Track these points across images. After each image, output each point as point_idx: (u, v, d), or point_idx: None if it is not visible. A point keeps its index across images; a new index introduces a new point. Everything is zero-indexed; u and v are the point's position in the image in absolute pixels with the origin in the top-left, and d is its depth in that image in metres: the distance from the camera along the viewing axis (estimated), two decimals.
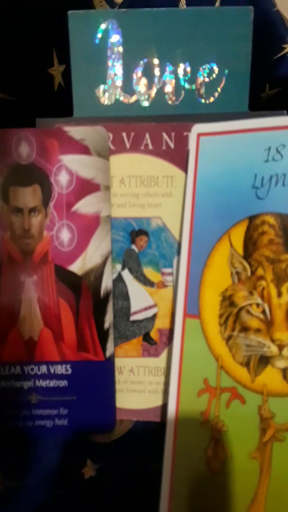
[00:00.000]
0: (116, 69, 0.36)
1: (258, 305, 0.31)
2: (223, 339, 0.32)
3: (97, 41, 0.36)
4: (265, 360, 0.31)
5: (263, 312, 0.31)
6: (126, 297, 0.36)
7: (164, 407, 0.36)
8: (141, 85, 0.36)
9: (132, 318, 0.36)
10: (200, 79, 0.36)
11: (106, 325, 0.35)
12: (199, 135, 0.34)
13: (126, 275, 0.36)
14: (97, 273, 0.35)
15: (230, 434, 0.31)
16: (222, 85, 0.36)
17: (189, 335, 0.32)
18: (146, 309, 0.36)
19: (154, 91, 0.37)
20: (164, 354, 0.36)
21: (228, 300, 0.32)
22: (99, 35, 0.36)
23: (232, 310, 0.31)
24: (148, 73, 0.36)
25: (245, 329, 0.31)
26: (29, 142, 0.35)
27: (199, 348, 0.32)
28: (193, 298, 0.33)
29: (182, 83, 0.36)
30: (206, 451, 0.31)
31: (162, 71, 0.36)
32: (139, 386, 0.36)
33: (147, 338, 0.36)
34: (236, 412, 0.31)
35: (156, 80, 0.36)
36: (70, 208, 0.35)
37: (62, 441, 0.36)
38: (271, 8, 0.37)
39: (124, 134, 0.35)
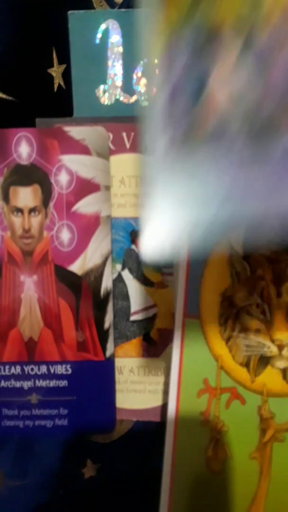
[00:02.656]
0: (116, 69, 0.36)
1: (258, 305, 0.31)
2: (223, 340, 0.32)
3: (97, 41, 0.36)
4: (265, 360, 0.31)
5: (263, 312, 0.31)
6: (126, 297, 0.36)
7: (164, 407, 0.36)
8: (141, 85, 0.36)
9: (132, 318, 0.36)
10: None
11: (106, 325, 0.35)
12: None
13: (126, 275, 0.36)
14: (97, 273, 0.35)
15: (230, 434, 0.31)
16: None
17: (189, 335, 0.32)
18: (146, 309, 0.36)
19: (154, 91, 0.36)
20: (164, 354, 0.36)
21: (228, 300, 0.32)
22: (99, 35, 0.36)
23: (232, 310, 0.31)
24: (148, 73, 0.36)
25: (245, 329, 0.31)
26: (29, 142, 0.35)
27: (199, 349, 0.32)
28: (193, 298, 0.33)
29: None
30: (206, 451, 0.31)
31: None
32: (139, 386, 0.36)
33: (147, 338, 0.36)
34: (236, 412, 0.31)
35: (156, 80, 0.36)
36: (70, 208, 0.35)
37: (62, 441, 0.36)
38: None
39: (124, 134, 0.35)
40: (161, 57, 0.19)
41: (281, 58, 0.19)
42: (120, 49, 0.36)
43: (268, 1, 0.19)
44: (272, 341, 0.30)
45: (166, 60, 0.19)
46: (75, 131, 0.35)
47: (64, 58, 0.37)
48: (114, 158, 0.35)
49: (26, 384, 0.35)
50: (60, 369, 0.35)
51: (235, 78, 0.19)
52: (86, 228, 0.35)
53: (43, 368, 0.35)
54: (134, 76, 0.36)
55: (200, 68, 0.19)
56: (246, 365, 0.31)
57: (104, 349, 0.35)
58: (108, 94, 0.36)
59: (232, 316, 0.31)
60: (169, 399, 0.32)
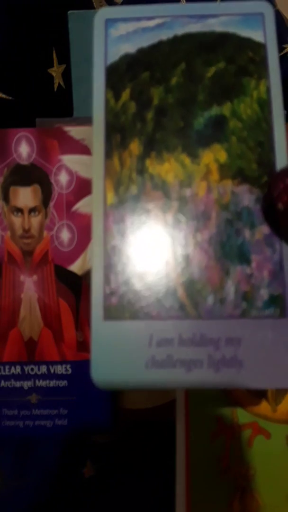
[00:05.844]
0: None
1: None
2: None
3: None
4: None
5: None
6: None
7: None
8: None
9: None
10: None
11: None
12: None
13: None
14: None
15: (259, 477, 0.27)
16: None
17: None
18: None
19: None
20: None
21: None
22: None
23: None
24: None
25: None
26: (29, 142, 0.35)
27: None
28: None
29: None
30: (232, 506, 0.27)
31: None
32: None
33: None
34: (262, 449, 0.27)
35: None
36: (70, 208, 0.35)
37: (62, 441, 0.36)
38: None
39: None
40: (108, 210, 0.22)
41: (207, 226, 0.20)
42: None
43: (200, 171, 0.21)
44: None
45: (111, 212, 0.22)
46: (75, 131, 0.35)
47: (64, 58, 0.37)
48: None
49: (26, 384, 0.35)
50: (60, 369, 0.35)
51: (172, 234, 0.21)
52: (86, 228, 0.35)
53: (43, 368, 0.35)
54: None
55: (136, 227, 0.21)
56: (264, 395, 0.28)
57: None
58: None
59: None
60: (177, 451, 0.28)
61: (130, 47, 0.23)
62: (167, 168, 0.21)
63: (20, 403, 0.35)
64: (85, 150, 0.35)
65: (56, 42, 0.37)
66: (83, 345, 0.35)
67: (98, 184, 0.22)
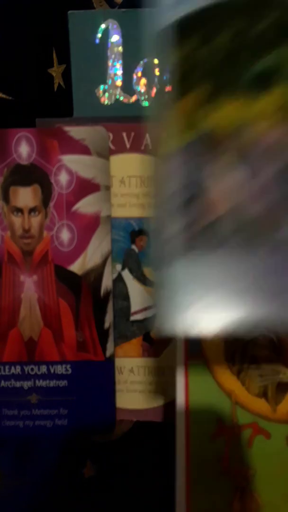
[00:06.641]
0: (116, 69, 0.36)
1: (264, 335, 0.29)
2: (234, 374, 0.29)
3: (97, 41, 0.36)
4: (283, 387, 0.28)
5: (271, 341, 0.29)
6: (126, 297, 0.36)
7: (164, 406, 0.36)
8: (141, 85, 0.36)
9: (132, 318, 0.36)
10: None
11: (106, 325, 0.35)
12: None
13: (126, 275, 0.36)
14: (97, 273, 0.35)
15: (259, 477, 0.26)
16: None
17: (194, 379, 0.29)
18: (146, 309, 0.36)
19: (154, 91, 0.37)
20: (164, 354, 0.36)
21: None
22: (99, 35, 0.36)
23: (238, 343, 0.29)
24: (148, 73, 0.36)
25: (255, 360, 0.29)
26: (29, 142, 0.35)
27: (207, 388, 0.29)
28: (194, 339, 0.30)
29: None
30: (232, 506, 0.26)
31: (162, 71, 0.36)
32: (139, 386, 0.36)
33: (147, 338, 0.36)
34: (261, 449, 0.27)
35: (156, 80, 0.36)
36: (70, 208, 0.35)
37: (62, 441, 0.36)
38: None
39: (124, 134, 0.35)
40: (170, 160, 0.22)
41: (271, 165, 0.21)
42: (120, 49, 0.36)
43: (258, 115, 0.21)
44: (287, 366, 0.28)
45: (174, 162, 0.22)
46: (75, 131, 0.35)
47: (64, 58, 0.37)
48: (114, 158, 0.35)
49: (26, 384, 0.35)
50: (60, 369, 0.35)
51: (229, 181, 0.21)
52: (86, 228, 0.35)
53: (43, 368, 0.35)
54: (134, 76, 0.36)
55: (199, 171, 0.22)
56: (264, 395, 0.28)
57: (104, 349, 0.35)
58: (108, 94, 0.36)
59: (239, 348, 0.29)
60: (177, 451, 0.28)
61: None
62: (231, 110, 0.21)
63: (20, 403, 0.35)
64: (85, 150, 0.35)
65: (56, 42, 0.37)
66: (83, 345, 0.35)
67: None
